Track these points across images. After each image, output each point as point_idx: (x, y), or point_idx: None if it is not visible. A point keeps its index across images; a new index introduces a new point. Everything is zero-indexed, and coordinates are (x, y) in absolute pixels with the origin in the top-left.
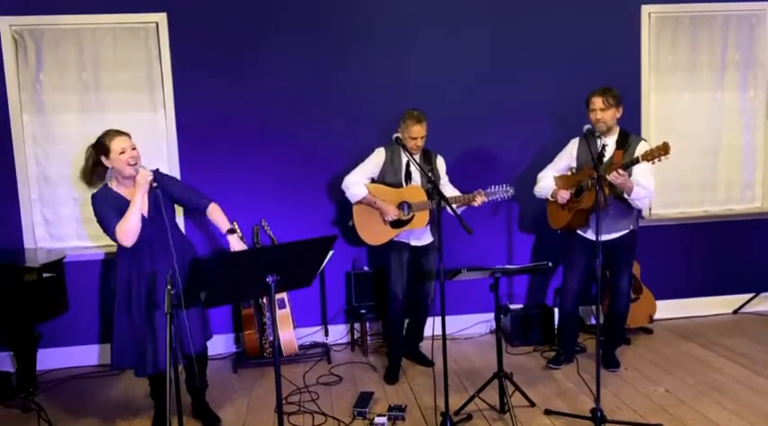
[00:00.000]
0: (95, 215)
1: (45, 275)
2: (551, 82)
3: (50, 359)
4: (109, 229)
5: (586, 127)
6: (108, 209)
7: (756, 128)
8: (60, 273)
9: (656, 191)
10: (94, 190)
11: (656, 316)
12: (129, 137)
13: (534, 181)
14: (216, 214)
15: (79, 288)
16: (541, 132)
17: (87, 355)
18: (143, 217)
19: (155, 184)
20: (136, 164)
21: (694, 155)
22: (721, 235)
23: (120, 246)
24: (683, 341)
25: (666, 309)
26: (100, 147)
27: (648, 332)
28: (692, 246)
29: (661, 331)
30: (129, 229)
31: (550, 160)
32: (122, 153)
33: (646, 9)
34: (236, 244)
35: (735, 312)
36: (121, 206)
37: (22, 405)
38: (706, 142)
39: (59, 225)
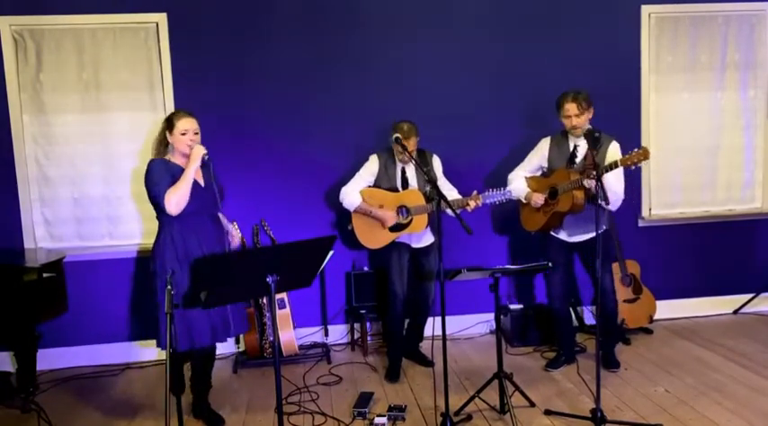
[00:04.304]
0: (148, 179)
1: (45, 275)
2: (551, 82)
3: (50, 359)
4: (159, 193)
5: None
6: (164, 174)
7: (756, 128)
8: (60, 273)
9: (656, 192)
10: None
11: (656, 316)
12: (196, 122)
13: None
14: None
15: (79, 288)
16: (542, 133)
17: (87, 355)
18: (197, 185)
19: (206, 158)
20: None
21: (694, 155)
22: (721, 235)
23: (164, 224)
24: (683, 341)
25: (666, 309)
26: (168, 122)
27: (648, 332)
28: (692, 246)
29: (661, 331)
30: (179, 196)
31: None
32: (184, 134)
33: (646, 9)
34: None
35: (735, 312)
36: (176, 175)
37: (21, 405)
38: (706, 142)
39: (59, 225)
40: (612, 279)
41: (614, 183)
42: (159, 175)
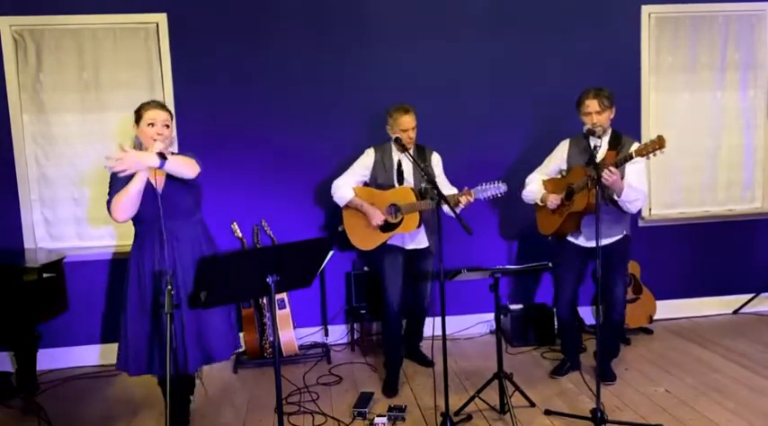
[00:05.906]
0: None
1: (45, 275)
2: (551, 82)
3: (50, 359)
4: (109, 199)
5: (587, 127)
6: (117, 179)
7: (756, 128)
8: (60, 273)
9: (656, 192)
10: None
11: (656, 316)
12: (168, 114)
13: None
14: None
15: (79, 288)
16: (541, 133)
17: (87, 355)
18: (155, 192)
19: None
20: (158, 142)
21: (694, 155)
22: (721, 235)
23: (134, 236)
24: (683, 341)
25: (666, 309)
26: (136, 113)
27: (648, 332)
28: (692, 246)
29: (661, 331)
30: (124, 202)
31: None
32: (150, 125)
33: (646, 9)
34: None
35: (735, 312)
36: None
37: (21, 405)
38: (706, 142)
39: (59, 225)
40: (626, 290)
41: (635, 181)
42: (114, 178)
